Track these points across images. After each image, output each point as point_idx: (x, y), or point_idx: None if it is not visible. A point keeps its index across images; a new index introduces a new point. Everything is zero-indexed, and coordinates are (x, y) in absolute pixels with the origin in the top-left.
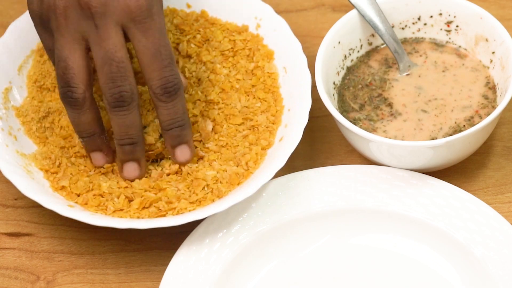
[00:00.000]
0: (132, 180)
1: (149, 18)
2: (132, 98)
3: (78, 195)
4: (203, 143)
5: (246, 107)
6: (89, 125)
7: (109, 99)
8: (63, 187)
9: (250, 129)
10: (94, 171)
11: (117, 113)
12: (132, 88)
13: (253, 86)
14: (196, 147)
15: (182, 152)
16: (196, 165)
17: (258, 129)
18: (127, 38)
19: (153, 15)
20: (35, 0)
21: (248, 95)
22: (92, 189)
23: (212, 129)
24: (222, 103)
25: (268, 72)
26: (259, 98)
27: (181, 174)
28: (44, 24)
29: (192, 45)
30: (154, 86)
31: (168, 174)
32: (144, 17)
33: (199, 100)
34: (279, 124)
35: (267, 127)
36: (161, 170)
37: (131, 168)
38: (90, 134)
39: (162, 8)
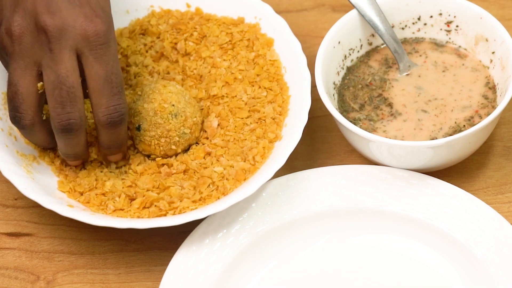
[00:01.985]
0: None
1: (105, 45)
2: (80, 125)
3: (81, 194)
4: (210, 140)
5: (253, 98)
6: (44, 141)
7: (56, 125)
8: (73, 180)
9: (257, 122)
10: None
11: (64, 136)
12: (81, 115)
13: (257, 75)
14: (203, 144)
15: (115, 157)
16: (204, 161)
17: (265, 121)
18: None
19: (109, 42)
20: None
21: (253, 85)
22: (96, 187)
23: (218, 125)
24: (227, 97)
25: (270, 60)
26: (265, 87)
27: (187, 172)
28: (1, 50)
29: (190, 43)
30: (100, 114)
31: (173, 174)
32: (100, 43)
33: (202, 98)
34: (286, 114)
35: (274, 119)
36: (169, 169)
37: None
38: (48, 147)
39: (114, 33)
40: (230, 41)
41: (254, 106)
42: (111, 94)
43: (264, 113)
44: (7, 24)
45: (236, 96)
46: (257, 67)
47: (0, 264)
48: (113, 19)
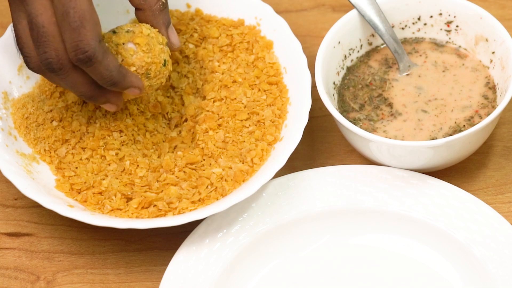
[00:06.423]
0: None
1: None
2: (60, 65)
3: (79, 192)
4: (208, 141)
5: (252, 100)
6: (81, 86)
7: (42, 64)
8: (69, 177)
9: (256, 125)
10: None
11: (54, 76)
12: (58, 54)
13: (257, 77)
14: (202, 148)
15: (109, 106)
16: (202, 162)
17: (264, 124)
18: None
19: None
20: None
21: (252, 88)
22: (93, 186)
23: (219, 125)
24: (227, 99)
25: (269, 63)
26: (264, 90)
27: (186, 173)
28: None
29: (190, 45)
30: (69, 51)
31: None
32: None
33: (201, 97)
34: (285, 117)
35: (273, 122)
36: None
37: (107, 107)
38: (87, 96)
39: None
40: (230, 43)
41: (253, 109)
42: (70, 29)
43: (263, 116)
44: None
45: (235, 98)
46: (257, 70)
47: (0, 264)
48: (113, 19)
